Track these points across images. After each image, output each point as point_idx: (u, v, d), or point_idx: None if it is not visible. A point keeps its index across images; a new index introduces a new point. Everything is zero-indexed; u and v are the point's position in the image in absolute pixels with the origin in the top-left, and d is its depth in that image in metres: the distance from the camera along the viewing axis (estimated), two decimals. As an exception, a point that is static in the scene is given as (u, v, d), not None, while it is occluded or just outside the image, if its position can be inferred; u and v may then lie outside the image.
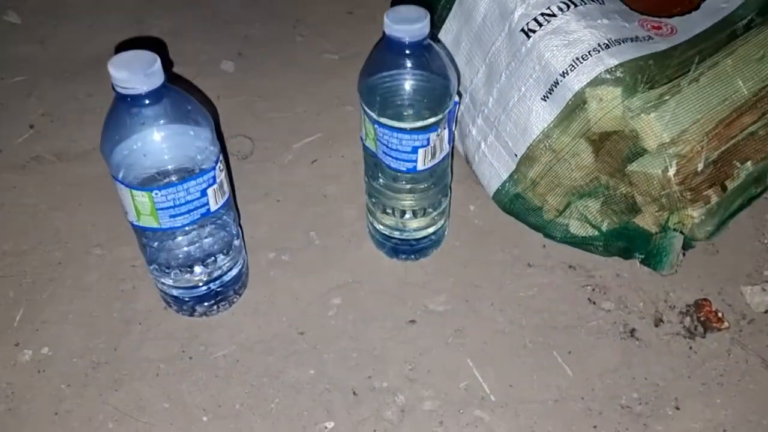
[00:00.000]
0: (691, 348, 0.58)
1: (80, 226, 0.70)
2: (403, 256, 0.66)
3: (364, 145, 0.61)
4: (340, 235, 0.69)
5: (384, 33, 0.53)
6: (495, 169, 0.70)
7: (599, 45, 0.61)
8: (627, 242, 0.62)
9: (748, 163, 0.62)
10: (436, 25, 0.72)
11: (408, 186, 0.60)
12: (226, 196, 0.56)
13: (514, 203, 0.69)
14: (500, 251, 0.68)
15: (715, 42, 0.64)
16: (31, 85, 0.86)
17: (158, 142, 0.51)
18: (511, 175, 0.68)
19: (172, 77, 0.76)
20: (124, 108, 0.49)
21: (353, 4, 1.02)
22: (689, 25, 0.66)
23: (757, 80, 0.62)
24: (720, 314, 0.60)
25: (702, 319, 0.60)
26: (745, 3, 0.67)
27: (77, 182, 0.74)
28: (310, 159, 0.78)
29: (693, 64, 0.61)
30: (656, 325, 0.60)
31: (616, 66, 0.59)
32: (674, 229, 0.59)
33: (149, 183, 0.52)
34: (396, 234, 0.64)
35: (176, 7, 1.01)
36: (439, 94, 0.56)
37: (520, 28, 0.63)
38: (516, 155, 0.67)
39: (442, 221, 0.66)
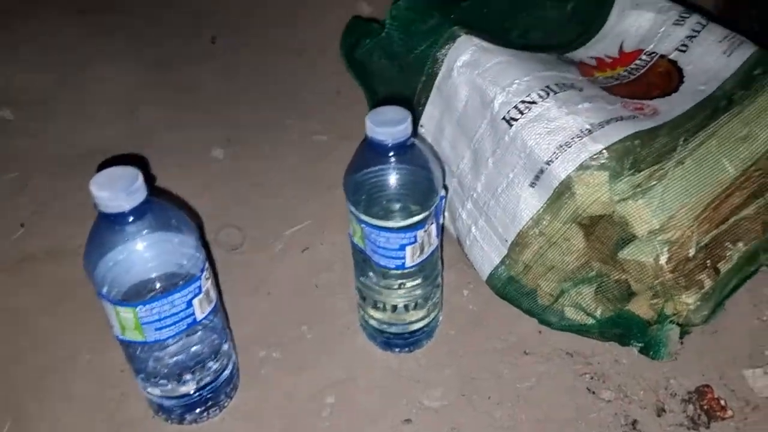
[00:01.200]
0: (696, 439, 0.57)
1: (69, 329, 0.69)
2: (397, 349, 0.65)
3: (352, 242, 0.61)
4: (333, 328, 0.68)
5: (366, 135, 0.53)
6: (486, 253, 0.70)
7: (582, 131, 0.61)
8: (623, 330, 0.61)
9: (740, 244, 0.61)
10: (415, 110, 0.73)
11: (398, 282, 0.60)
12: (213, 303, 0.56)
13: (507, 287, 0.68)
14: (496, 338, 0.67)
15: (698, 121, 0.64)
16: (23, 182, 0.87)
17: (142, 255, 0.51)
18: (503, 260, 0.68)
19: (154, 189, 0.77)
20: (107, 225, 0.49)
21: (340, 83, 1.03)
22: (670, 107, 0.67)
23: (743, 159, 0.62)
24: (723, 402, 0.58)
25: (705, 407, 0.58)
26: (722, 85, 0.68)
27: (67, 282, 0.73)
28: (301, 247, 0.77)
29: (678, 146, 0.61)
30: (659, 416, 0.58)
31: (600, 151, 0.60)
32: (670, 320, 0.58)
33: (133, 298, 0.51)
34: (388, 328, 0.63)
35: (167, 94, 1.03)
36: (425, 192, 0.56)
37: (502, 117, 0.64)
38: (507, 240, 0.67)
39: (435, 312, 0.65)
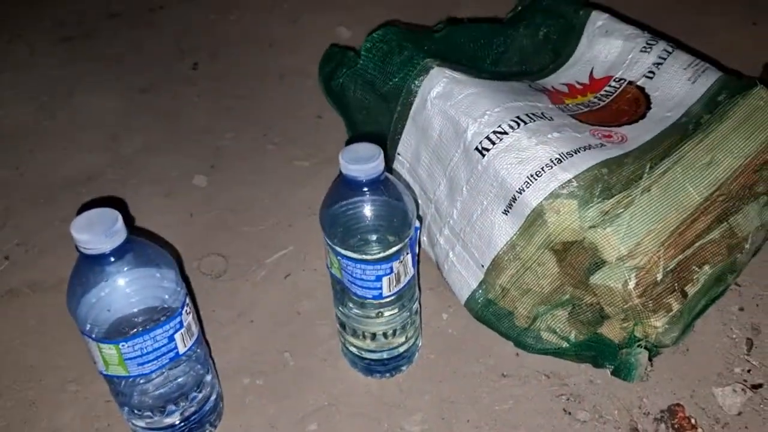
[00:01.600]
0: (667, 459, 0.58)
1: (54, 360, 0.70)
2: (378, 375, 0.66)
3: (330, 272, 0.62)
4: (315, 355, 0.70)
5: (340, 171, 0.55)
6: (464, 278, 0.71)
7: (551, 160, 0.63)
8: (596, 353, 0.63)
9: (706, 267, 0.63)
10: (393, 138, 0.75)
11: (376, 311, 0.61)
12: (195, 336, 0.57)
13: (485, 311, 0.70)
14: (475, 362, 0.68)
15: (664, 148, 0.66)
16: (6, 214, 0.88)
17: (123, 292, 0.52)
18: (480, 284, 0.69)
19: (134, 228, 0.78)
20: (88, 266, 0.50)
21: (321, 108, 1.05)
22: (638, 133, 0.69)
23: (707, 185, 0.64)
24: (693, 420, 0.60)
25: (676, 426, 0.60)
26: (687, 112, 0.70)
27: (51, 314, 0.74)
28: (283, 274, 0.79)
29: (644, 173, 0.63)
30: (632, 435, 0.60)
31: (569, 180, 0.62)
32: (638, 344, 0.59)
33: (116, 334, 0.52)
34: (368, 354, 0.65)
35: (149, 121, 1.04)
36: (399, 224, 0.58)
37: (474, 147, 0.66)
38: (483, 266, 0.68)
39: (414, 338, 0.66)
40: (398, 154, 0.76)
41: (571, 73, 0.82)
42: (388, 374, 0.67)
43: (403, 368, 0.67)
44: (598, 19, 0.83)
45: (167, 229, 0.84)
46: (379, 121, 0.77)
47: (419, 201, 0.75)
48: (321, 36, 1.17)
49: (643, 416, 0.62)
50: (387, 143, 0.76)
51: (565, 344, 0.64)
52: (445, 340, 0.71)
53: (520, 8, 0.90)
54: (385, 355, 0.65)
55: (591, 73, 0.80)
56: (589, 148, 0.65)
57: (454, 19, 0.90)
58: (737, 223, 0.65)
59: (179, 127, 1.03)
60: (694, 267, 0.63)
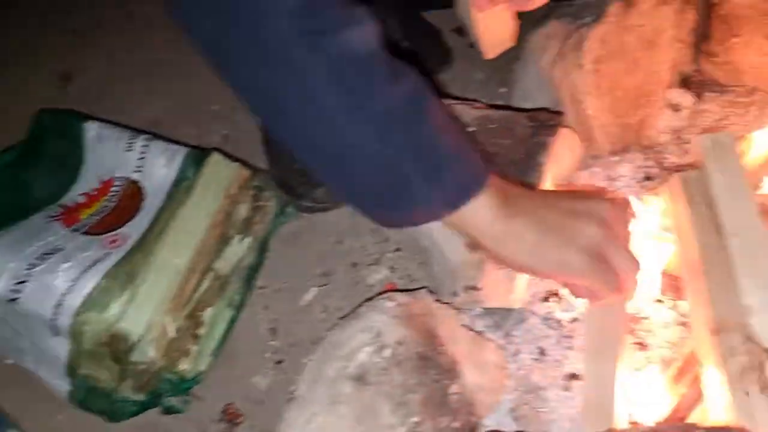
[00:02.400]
0: (229, 447, 0.86)
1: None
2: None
3: None
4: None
5: None
6: (61, 389, 0.89)
7: (67, 288, 0.82)
8: (158, 405, 0.86)
9: (209, 309, 0.89)
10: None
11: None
12: None
13: (85, 402, 0.88)
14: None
15: (152, 237, 0.89)
16: None
17: None
18: (70, 386, 0.88)
19: None
20: None
21: None
22: (136, 229, 0.91)
23: (189, 251, 0.89)
24: (236, 411, 0.87)
25: (229, 419, 0.87)
26: (166, 196, 0.93)
27: None
28: None
29: (141, 266, 0.86)
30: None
31: (83, 298, 0.82)
32: (168, 391, 0.84)
33: None
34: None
35: None
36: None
37: (6, 300, 0.82)
38: (60, 373, 0.86)
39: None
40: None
41: (85, 183, 1.00)
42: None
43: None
44: (91, 129, 1.01)
45: None
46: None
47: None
48: None
49: (212, 423, 0.88)
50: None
51: (138, 407, 0.86)
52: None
53: (30, 136, 1.04)
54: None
55: (99, 179, 0.99)
56: (97, 263, 0.85)
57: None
58: (220, 267, 0.92)
59: None
60: (198, 313, 0.88)
